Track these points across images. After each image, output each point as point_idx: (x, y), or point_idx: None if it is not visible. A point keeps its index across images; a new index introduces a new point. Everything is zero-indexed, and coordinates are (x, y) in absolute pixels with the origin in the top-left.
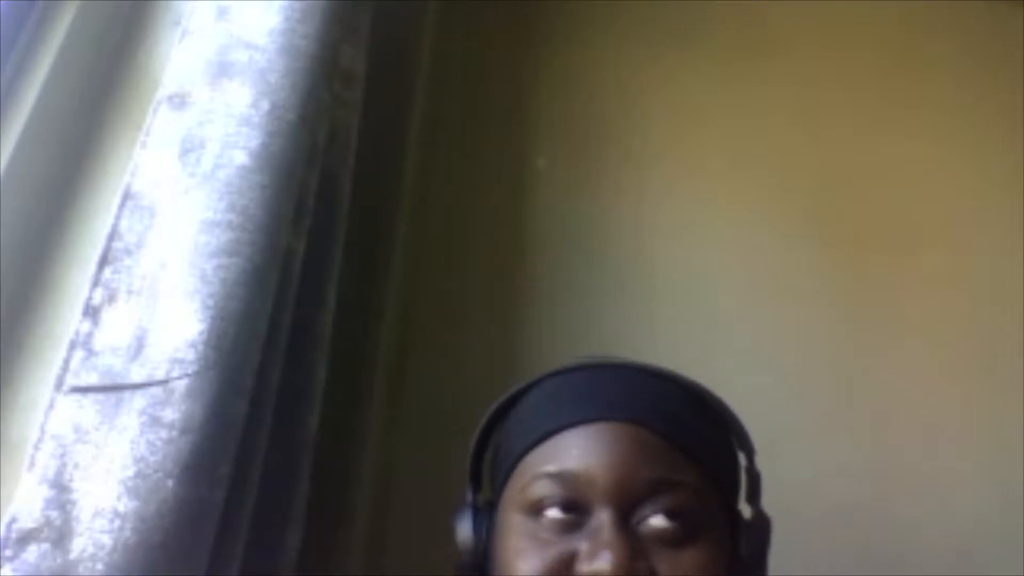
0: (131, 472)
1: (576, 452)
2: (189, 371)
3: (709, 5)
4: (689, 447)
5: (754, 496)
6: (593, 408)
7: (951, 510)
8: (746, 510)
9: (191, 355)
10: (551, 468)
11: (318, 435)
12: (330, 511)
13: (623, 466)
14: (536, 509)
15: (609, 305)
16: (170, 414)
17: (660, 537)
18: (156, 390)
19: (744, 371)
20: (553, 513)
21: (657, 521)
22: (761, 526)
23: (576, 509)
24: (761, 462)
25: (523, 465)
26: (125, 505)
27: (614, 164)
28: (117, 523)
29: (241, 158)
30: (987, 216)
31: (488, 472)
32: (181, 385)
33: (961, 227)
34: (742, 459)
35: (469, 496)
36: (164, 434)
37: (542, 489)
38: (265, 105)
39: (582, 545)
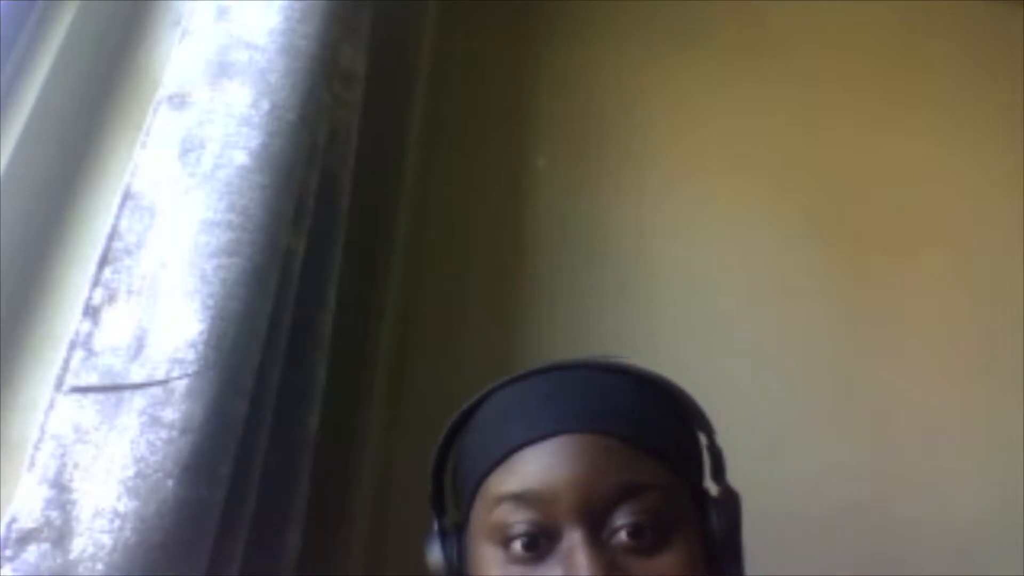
0: (131, 472)
1: (536, 469)
2: (189, 371)
3: (709, 5)
4: (653, 446)
5: (719, 473)
6: (550, 421)
7: (951, 510)
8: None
9: (191, 355)
10: (514, 490)
11: (318, 435)
12: (330, 511)
13: (587, 481)
14: (504, 536)
15: (609, 305)
16: (170, 414)
17: (633, 548)
18: (156, 390)
19: (744, 371)
20: (522, 541)
21: (629, 532)
22: (730, 502)
23: (545, 533)
24: (761, 462)
25: (485, 488)
26: (125, 505)
27: (614, 164)
28: (117, 523)
29: (241, 158)
30: (987, 216)
31: (451, 493)
32: (181, 385)
33: (961, 227)
34: (702, 439)
35: (435, 523)
36: (164, 434)
37: (507, 514)
38: (265, 105)
39: (556, 571)
